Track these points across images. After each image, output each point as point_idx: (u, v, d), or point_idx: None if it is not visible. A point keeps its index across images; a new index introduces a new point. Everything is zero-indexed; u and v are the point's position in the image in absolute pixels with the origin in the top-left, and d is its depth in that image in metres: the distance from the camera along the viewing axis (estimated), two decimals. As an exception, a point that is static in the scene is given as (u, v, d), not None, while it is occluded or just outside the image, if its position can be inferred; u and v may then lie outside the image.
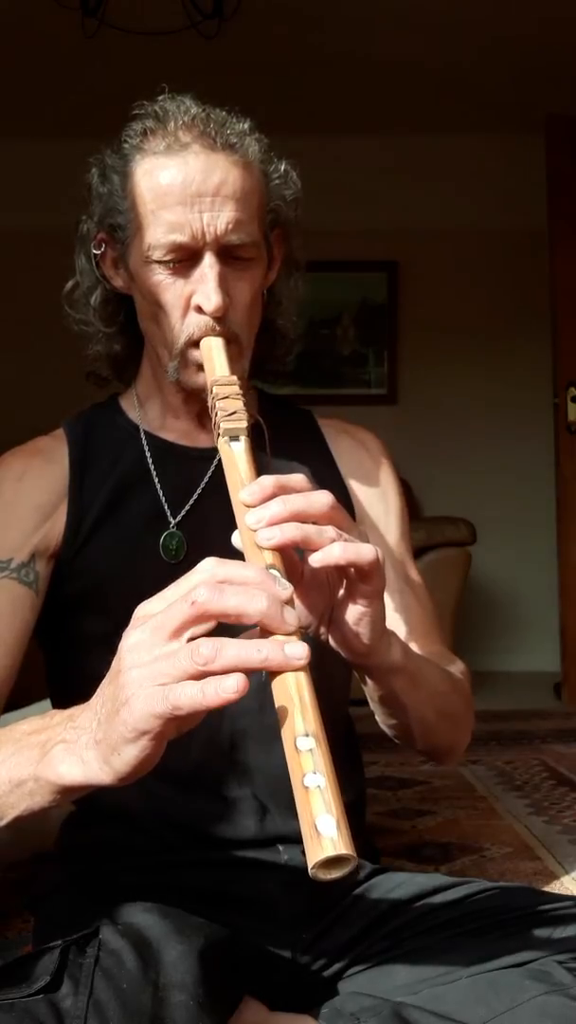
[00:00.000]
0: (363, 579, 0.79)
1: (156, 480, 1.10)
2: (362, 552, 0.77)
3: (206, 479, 1.10)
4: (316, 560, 0.76)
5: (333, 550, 0.75)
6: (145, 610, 0.69)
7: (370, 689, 0.94)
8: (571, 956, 0.88)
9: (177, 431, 1.13)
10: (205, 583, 0.65)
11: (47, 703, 1.14)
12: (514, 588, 4.59)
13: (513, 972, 0.87)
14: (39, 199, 3.83)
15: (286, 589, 0.67)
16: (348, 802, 1.07)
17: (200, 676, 0.63)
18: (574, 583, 3.74)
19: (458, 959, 0.91)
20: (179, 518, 1.09)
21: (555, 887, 1.57)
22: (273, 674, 0.66)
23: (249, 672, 0.63)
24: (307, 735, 0.63)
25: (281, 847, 1.02)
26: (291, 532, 0.74)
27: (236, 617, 0.65)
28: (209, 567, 0.67)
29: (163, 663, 0.64)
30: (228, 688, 0.61)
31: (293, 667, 0.64)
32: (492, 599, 4.57)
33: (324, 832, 0.59)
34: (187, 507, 1.09)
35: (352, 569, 0.79)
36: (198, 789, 1.04)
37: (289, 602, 0.67)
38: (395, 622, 1.11)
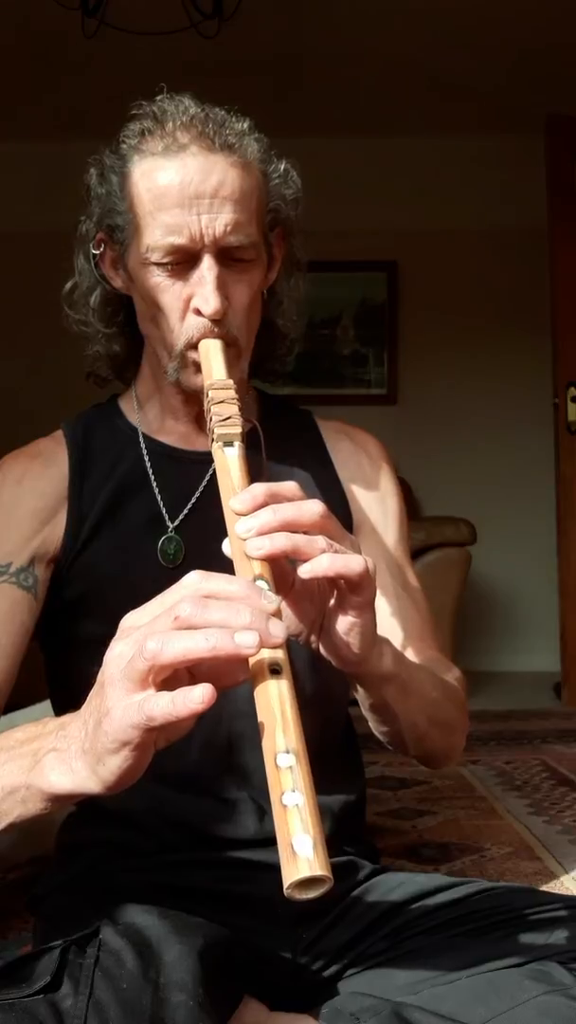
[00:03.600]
0: (353, 590, 0.79)
1: (154, 484, 1.10)
2: (351, 564, 0.76)
3: (204, 483, 1.10)
4: (304, 572, 0.75)
5: (321, 562, 0.75)
6: (130, 621, 0.68)
7: (362, 696, 0.93)
8: (571, 956, 0.88)
9: (176, 434, 1.13)
10: (189, 598, 0.65)
11: (47, 704, 1.15)
12: (514, 588, 4.59)
13: (513, 972, 0.87)
14: (39, 199, 3.83)
15: (272, 602, 0.67)
16: (348, 802, 1.09)
17: (148, 671, 0.63)
18: (574, 583, 3.74)
19: (458, 959, 0.90)
20: (177, 522, 1.09)
21: (555, 887, 1.57)
22: (255, 684, 0.66)
23: (230, 685, 0.63)
24: (287, 752, 0.63)
25: (281, 847, 1.02)
26: (280, 542, 0.73)
27: None
28: (194, 581, 0.67)
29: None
30: (195, 699, 0.62)
31: (243, 655, 0.63)
32: (492, 599, 4.56)
33: (300, 852, 0.59)
34: (185, 511, 1.09)
35: (342, 580, 0.78)
36: (197, 790, 1.04)
37: (276, 614, 0.66)
38: (391, 627, 1.10)
